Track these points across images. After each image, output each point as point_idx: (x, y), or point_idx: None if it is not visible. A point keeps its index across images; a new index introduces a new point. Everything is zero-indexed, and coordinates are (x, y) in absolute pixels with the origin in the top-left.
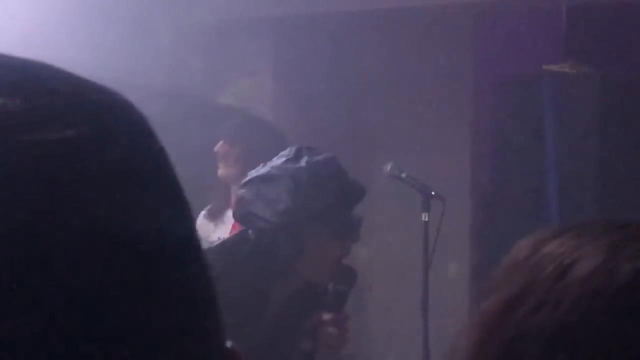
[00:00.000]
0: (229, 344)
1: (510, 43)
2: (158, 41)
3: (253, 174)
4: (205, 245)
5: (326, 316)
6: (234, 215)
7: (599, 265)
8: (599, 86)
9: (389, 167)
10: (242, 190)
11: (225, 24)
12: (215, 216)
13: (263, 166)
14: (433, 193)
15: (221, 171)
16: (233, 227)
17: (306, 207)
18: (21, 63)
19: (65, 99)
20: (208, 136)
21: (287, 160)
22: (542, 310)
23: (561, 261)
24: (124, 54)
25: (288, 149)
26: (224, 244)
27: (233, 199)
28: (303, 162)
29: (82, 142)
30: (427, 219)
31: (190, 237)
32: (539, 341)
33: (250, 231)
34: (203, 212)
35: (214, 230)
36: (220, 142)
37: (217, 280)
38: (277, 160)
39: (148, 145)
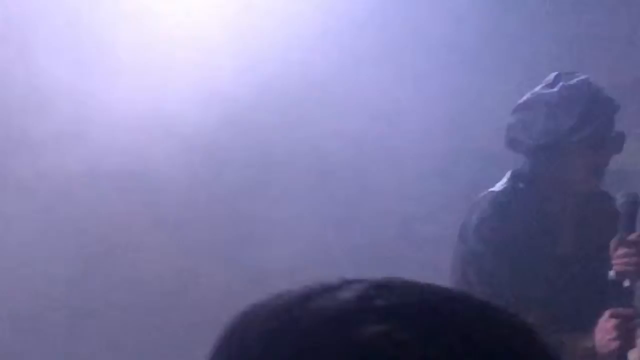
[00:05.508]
0: None
1: None
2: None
3: (519, 101)
4: None
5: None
6: (505, 142)
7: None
8: None
9: None
10: (510, 118)
11: None
12: None
13: (530, 94)
14: None
15: None
16: None
17: (557, 127)
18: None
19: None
20: None
21: (545, 87)
22: None
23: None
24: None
25: (551, 75)
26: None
27: None
28: (557, 87)
29: None
30: None
31: None
32: None
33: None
34: None
35: None
36: None
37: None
38: (537, 88)
39: None
